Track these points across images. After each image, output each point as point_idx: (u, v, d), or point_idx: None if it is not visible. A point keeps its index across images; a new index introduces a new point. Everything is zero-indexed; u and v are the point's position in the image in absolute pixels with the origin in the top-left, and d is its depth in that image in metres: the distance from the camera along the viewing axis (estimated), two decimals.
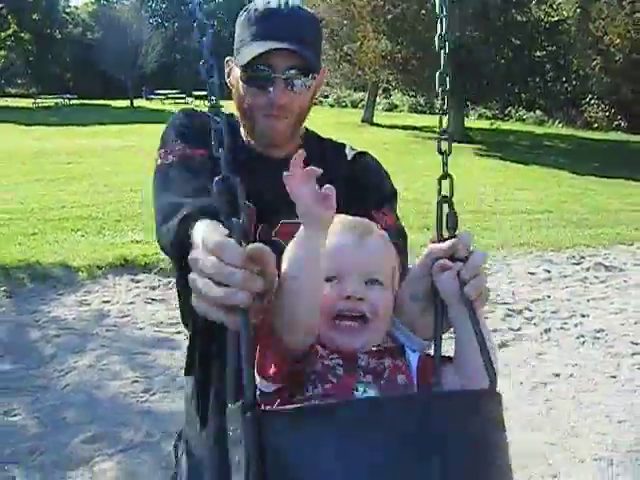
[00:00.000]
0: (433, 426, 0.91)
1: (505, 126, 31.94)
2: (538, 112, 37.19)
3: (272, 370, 1.11)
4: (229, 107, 1.56)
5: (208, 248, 0.96)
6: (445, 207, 1.25)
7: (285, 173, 1.03)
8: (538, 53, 26.43)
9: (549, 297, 6.69)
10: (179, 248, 1.22)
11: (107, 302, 5.94)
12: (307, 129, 1.78)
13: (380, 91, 38.14)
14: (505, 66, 25.62)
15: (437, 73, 1.34)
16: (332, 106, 45.52)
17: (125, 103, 43.13)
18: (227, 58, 1.64)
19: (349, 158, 1.76)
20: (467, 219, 10.24)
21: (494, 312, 6.07)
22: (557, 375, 4.91)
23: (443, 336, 1.16)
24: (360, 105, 39.44)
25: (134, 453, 3.65)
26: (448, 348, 1.13)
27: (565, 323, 5.99)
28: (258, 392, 1.06)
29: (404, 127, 30.23)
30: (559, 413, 4.33)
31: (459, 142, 25.45)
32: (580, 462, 3.78)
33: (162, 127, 1.68)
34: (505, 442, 1.00)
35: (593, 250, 8.74)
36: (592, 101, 30.07)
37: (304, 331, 1.10)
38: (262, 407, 0.94)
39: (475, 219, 10.31)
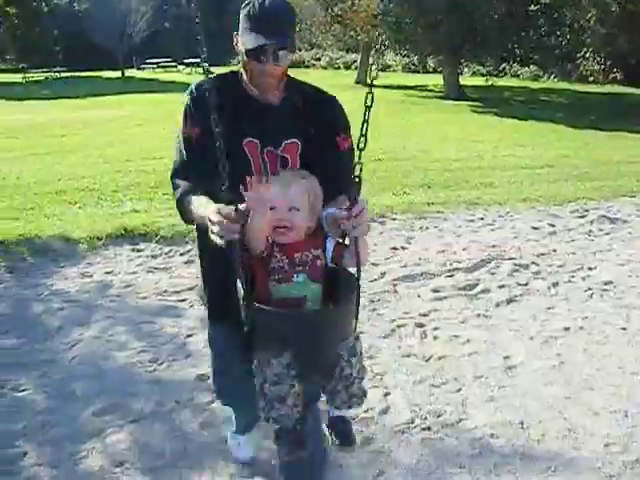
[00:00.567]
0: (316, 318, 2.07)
1: (500, 82, 31.61)
2: (533, 67, 36.84)
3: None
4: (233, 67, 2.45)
5: (214, 213, 1.92)
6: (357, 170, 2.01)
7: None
8: (532, 7, 26.00)
9: (555, 251, 6.63)
10: (180, 214, 2.43)
11: (109, 273, 5.88)
12: (288, 76, 2.39)
13: (373, 51, 37.72)
14: (499, 21, 25.27)
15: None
16: (325, 68, 45.06)
17: (116, 74, 42.65)
18: (235, 32, 2.27)
19: (323, 97, 2.47)
20: (467, 176, 10.18)
21: (500, 267, 6.03)
22: (567, 329, 4.86)
23: None
24: (353, 67, 39.04)
25: (145, 423, 3.61)
26: None
27: (572, 276, 5.94)
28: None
29: (398, 87, 29.96)
30: (571, 367, 4.29)
31: (455, 100, 25.26)
32: (595, 415, 3.74)
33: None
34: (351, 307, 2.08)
35: (596, 203, 8.67)
36: (587, 54, 29.67)
37: (260, 239, 2.05)
38: (255, 304, 1.98)
39: (475, 176, 10.23)
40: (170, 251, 6.32)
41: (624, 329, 4.87)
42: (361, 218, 1.95)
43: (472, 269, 6.02)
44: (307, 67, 44.73)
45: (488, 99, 25.57)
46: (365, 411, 3.72)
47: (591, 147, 14.06)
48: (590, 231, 7.42)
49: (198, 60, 2.09)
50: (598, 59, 30.31)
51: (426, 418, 3.70)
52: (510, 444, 3.49)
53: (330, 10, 29.79)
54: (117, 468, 3.25)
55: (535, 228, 7.45)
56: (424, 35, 25.78)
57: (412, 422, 3.66)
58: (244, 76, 2.34)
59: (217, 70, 2.51)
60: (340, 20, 29.63)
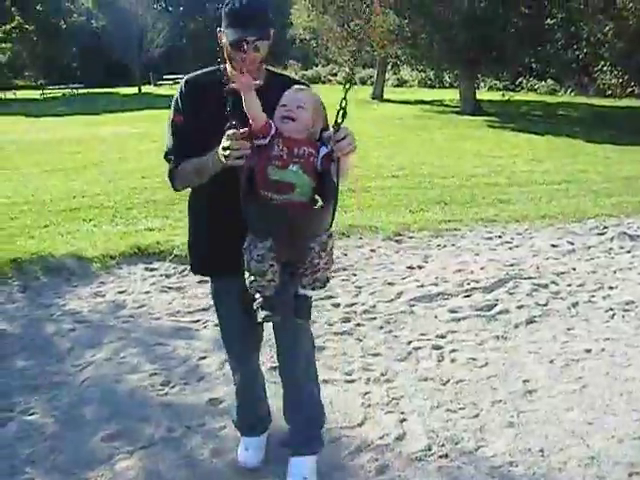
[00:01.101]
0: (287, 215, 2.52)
1: (517, 97, 31.49)
2: (550, 81, 36.70)
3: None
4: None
5: (225, 138, 2.43)
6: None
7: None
8: (549, 21, 25.88)
9: (574, 270, 6.50)
10: (171, 182, 2.86)
11: (122, 292, 5.83)
12: (268, 69, 2.84)
13: (389, 67, 37.75)
14: (515, 35, 25.17)
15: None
16: (341, 84, 45.06)
17: (133, 90, 42.95)
18: (218, 29, 2.63)
19: (300, 84, 2.80)
20: (484, 192, 10.08)
21: (518, 287, 5.92)
22: (588, 351, 4.74)
23: None
24: (369, 82, 39.07)
25: (155, 450, 3.53)
26: None
27: (593, 296, 5.80)
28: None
29: (415, 102, 29.92)
30: (593, 391, 4.16)
31: (472, 114, 25.16)
32: (619, 442, 3.61)
33: (170, 110, 2.82)
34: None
35: (616, 219, 8.51)
36: (605, 68, 29.49)
37: (258, 118, 2.48)
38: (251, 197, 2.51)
39: (493, 192, 10.13)
40: (184, 270, 6.25)
41: None
42: (345, 141, 2.46)
43: (490, 289, 5.90)
44: (323, 83, 44.89)
45: (505, 114, 25.46)
46: (380, 437, 3.63)
47: (610, 162, 13.88)
48: (610, 249, 7.28)
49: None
50: (616, 73, 30.06)
51: (443, 445, 3.59)
52: (530, 472, 3.37)
53: (347, 26, 29.78)
54: None
55: (554, 246, 7.33)
56: (440, 50, 25.76)
57: (429, 449, 3.55)
58: (228, 69, 2.75)
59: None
60: (356, 36, 29.58)
